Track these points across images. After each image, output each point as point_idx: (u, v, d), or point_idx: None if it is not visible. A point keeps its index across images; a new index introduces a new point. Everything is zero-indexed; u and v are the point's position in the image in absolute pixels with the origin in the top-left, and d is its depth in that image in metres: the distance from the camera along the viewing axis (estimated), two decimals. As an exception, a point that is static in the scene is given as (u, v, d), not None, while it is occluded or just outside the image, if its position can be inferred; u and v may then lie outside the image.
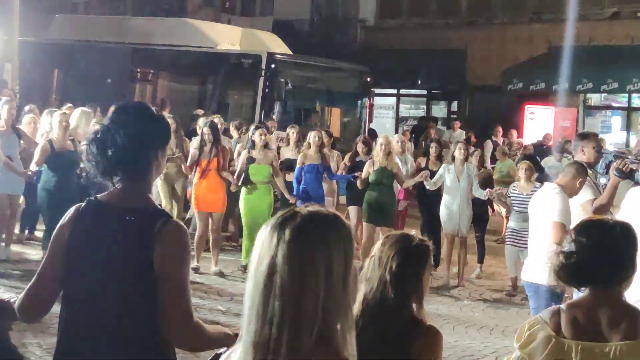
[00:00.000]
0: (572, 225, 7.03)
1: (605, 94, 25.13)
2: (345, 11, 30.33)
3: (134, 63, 22.04)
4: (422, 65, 25.28)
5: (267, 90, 18.35)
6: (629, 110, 24.99)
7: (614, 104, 25.63)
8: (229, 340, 3.41)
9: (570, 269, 3.49)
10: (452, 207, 12.58)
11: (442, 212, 12.75)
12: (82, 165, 4.58)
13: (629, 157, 8.62)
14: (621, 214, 6.92)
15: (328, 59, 20.58)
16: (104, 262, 3.49)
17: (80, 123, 12.38)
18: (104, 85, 21.05)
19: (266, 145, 12.60)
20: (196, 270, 11.64)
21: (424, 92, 28.64)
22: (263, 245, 2.41)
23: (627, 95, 24.47)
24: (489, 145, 20.79)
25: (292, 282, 2.34)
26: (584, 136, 8.49)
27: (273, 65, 18.43)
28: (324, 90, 20.12)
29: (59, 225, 3.62)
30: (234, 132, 15.29)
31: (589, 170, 7.93)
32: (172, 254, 3.47)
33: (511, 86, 24.61)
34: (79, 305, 3.54)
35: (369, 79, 20.57)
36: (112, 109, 3.80)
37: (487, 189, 12.30)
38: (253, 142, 12.46)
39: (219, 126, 13.65)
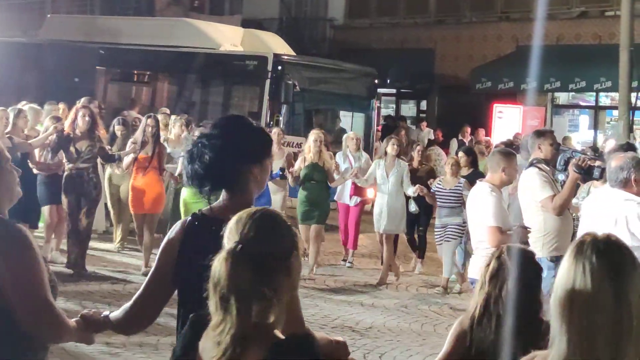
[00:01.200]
0: (513, 219, 7.10)
1: (573, 93, 25.34)
2: (314, 10, 30.33)
3: (124, 64, 21.52)
4: (391, 64, 25.30)
5: (273, 92, 17.72)
6: (597, 109, 25.20)
7: (582, 103, 25.85)
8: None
9: None
10: (382, 203, 12.57)
11: (375, 209, 12.72)
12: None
13: (587, 153, 8.77)
14: (583, 215, 6.99)
15: (335, 61, 20.17)
16: None
17: (28, 119, 12.39)
18: (90, 86, 20.42)
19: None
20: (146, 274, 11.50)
21: (393, 91, 28.69)
22: None
23: (594, 94, 24.68)
24: (454, 144, 20.93)
25: None
26: (540, 133, 8.56)
27: (280, 67, 17.80)
28: (332, 92, 19.60)
29: (166, 240, 3.68)
30: (177, 128, 14.64)
31: (546, 167, 8.03)
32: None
33: (479, 85, 24.72)
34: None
35: (376, 81, 20.15)
36: (213, 121, 3.86)
37: (417, 186, 12.15)
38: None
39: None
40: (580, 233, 6.91)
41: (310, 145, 12.51)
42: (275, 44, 20.29)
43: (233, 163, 3.66)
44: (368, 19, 28.80)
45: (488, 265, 4.20)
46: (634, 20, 19.00)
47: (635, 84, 20.05)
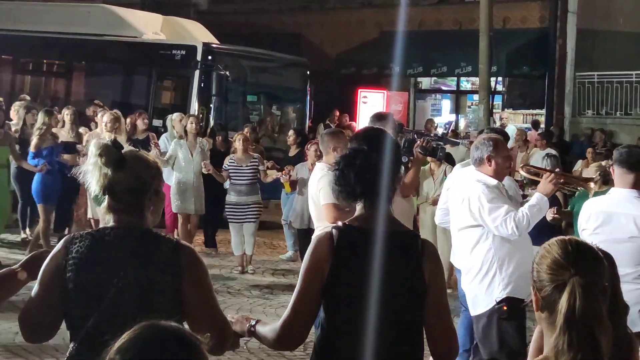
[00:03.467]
0: None
1: (435, 78, 25.89)
2: (178, -5, 29.95)
3: (42, 54, 20.25)
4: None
5: (203, 84, 16.77)
6: (458, 93, 25.86)
7: (444, 88, 26.45)
8: None
9: None
10: (186, 183, 12.60)
11: (175, 189, 12.66)
12: None
13: (431, 134, 9.08)
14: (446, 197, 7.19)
15: (267, 51, 19.17)
16: (383, 289, 3.51)
17: None
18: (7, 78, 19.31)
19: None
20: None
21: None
22: None
23: (455, 79, 25.29)
24: (321, 129, 21.04)
25: None
26: (381, 117, 8.75)
27: (210, 57, 16.86)
28: (265, 83, 18.88)
29: (310, 254, 3.62)
30: (14, 115, 14.14)
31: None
32: (435, 269, 3.63)
33: (345, 70, 24.94)
34: (354, 330, 3.53)
35: (308, 72, 19.55)
36: (357, 134, 3.98)
37: (203, 162, 12.34)
38: None
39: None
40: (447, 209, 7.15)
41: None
42: (197, 32, 19.37)
43: (393, 173, 3.73)
44: (233, 5, 28.61)
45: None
46: (492, 6, 19.53)
47: (494, 68, 20.63)
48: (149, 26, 18.90)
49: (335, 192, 3.77)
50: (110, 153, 3.42)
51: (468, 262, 6.39)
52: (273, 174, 12.73)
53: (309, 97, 19.64)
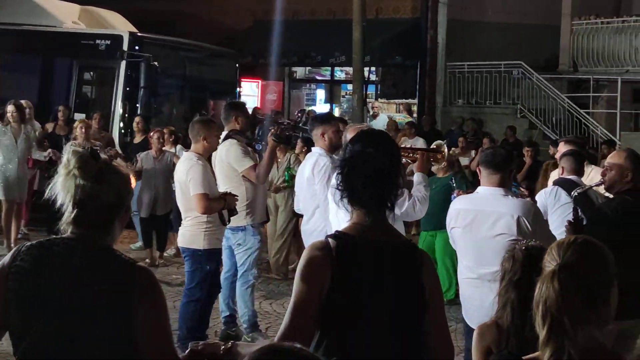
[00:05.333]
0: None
1: (310, 68, 26.00)
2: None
3: None
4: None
5: (130, 77, 15.79)
6: (332, 83, 26.04)
7: (318, 77, 26.58)
8: None
9: None
10: (9, 170, 12.43)
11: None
12: None
13: (285, 122, 9.31)
14: None
15: (197, 42, 18.38)
16: (383, 300, 3.42)
17: None
18: None
19: None
20: None
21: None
22: None
23: (330, 68, 25.46)
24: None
25: None
26: (235, 106, 8.96)
27: (137, 48, 15.88)
28: (195, 76, 17.91)
29: (305, 265, 3.42)
30: None
31: (243, 138, 8.42)
32: (435, 283, 3.58)
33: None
34: (354, 347, 3.40)
35: (237, 64, 18.97)
36: (360, 134, 3.76)
37: (49, 151, 12.44)
38: None
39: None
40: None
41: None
42: (117, 22, 18.35)
43: (398, 177, 3.61)
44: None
45: (505, 268, 4.04)
46: (364, -4, 19.72)
47: (368, 58, 20.84)
48: (68, 15, 17.83)
49: (336, 196, 3.56)
50: (89, 165, 3.17)
51: None
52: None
53: (238, 89, 19.20)
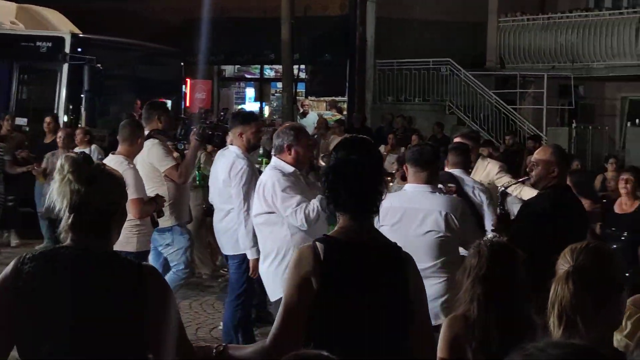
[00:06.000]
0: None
1: (239, 66, 25.89)
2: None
3: None
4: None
5: (73, 80, 15.23)
6: (262, 81, 25.97)
7: (248, 76, 26.49)
8: None
9: None
10: None
11: None
12: None
13: (208, 121, 9.36)
14: None
15: (141, 42, 17.78)
16: (370, 301, 3.51)
17: None
18: None
19: None
20: None
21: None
22: None
23: (259, 66, 25.40)
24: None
25: None
26: (157, 105, 8.91)
27: (80, 50, 15.28)
28: (141, 77, 17.29)
29: (294, 268, 3.53)
30: None
31: (164, 137, 8.39)
32: (419, 284, 3.68)
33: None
34: (342, 348, 3.26)
35: (182, 63, 18.55)
36: (343, 142, 3.81)
37: None
38: None
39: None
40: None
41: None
42: (58, 22, 17.63)
43: (380, 183, 3.71)
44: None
45: (471, 264, 4.14)
46: (294, -5, 19.68)
47: (297, 56, 20.81)
48: (4, 14, 17.20)
49: (323, 202, 3.78)
50: (82, 169, 3.19)
51: (264, 247, 6.43)
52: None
53: (185, 89, 18.79)
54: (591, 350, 2.05)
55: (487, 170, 8.93)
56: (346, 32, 23.24)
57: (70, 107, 15.31)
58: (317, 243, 3.56)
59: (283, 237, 6.17)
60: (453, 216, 5.75)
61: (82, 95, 15.43)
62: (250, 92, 26.40)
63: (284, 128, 6.51)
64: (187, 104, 21.72)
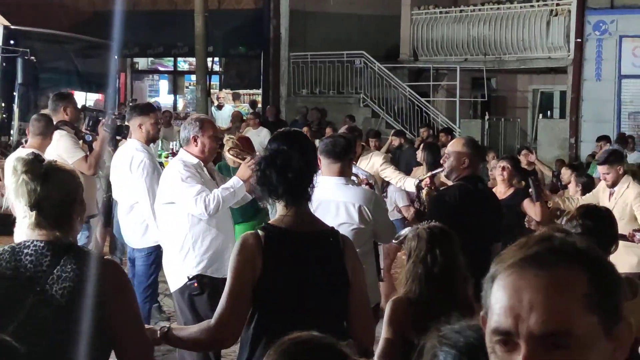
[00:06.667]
0: None
1: (152, 58, 25.60)
2: None
3: None
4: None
5: (5, 72, 14.68)
6: (175, 74, 25.76)
7: (161, 68, 26.25)
8: None
9: None
10: None
11: None
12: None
13: (116, 113, 9.39)
14: None
15: (74, 34, 17.37)
16: (309, 284, 3.79)
17: None
18: None
19: None
20: None
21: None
22: None
23: (172, 59, 25.16)
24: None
25: None
26: (64, 97, 8.88)
27: (13, 42, 14.83)
28: (74, 68, 16.99)
29: (238, 254, 3.76)
30: None
31: (71, 129, 8.36)
32: (356, 266, 3.95)
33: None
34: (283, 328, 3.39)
35: (115, 56, 17.65)
36: (276, 134, 4.23)
37: None
38: None
39: None
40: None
41: None
42: None
43: (314, 172, 4.00)
44: None
45: (411, 246, 4.41)
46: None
47: (211, 49, 20.64)
48: None
49: (257, 191, 3.95)
50: (35, 167, 3.33)
51: (166, 238, 6.44)
52: None
53: (121, 81, 18.49)
54: None
55: (371, 161, 9.02)
56: (260, 24, 23.15)
57: (2, 100, 14.93)
58: (259, 231, 3.81)
59: (183, 228, 6.16)
60: (366, 208, 5.74)
61: (14, 89, 14.99)
62: (164, 84, 26.18)
63: (190, 119, 6.49)
64: (122, 99, 21.37)
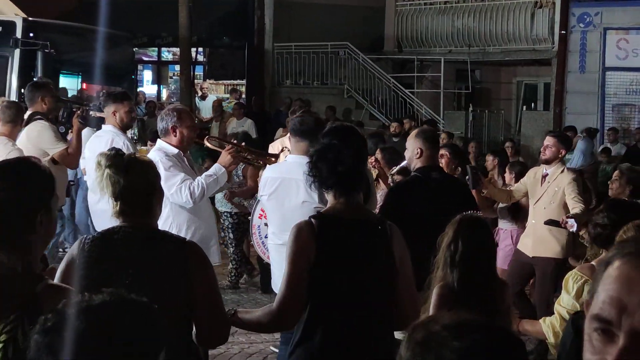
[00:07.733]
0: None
1: (136, 48, 25.45)
2: None
3: None
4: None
5: (25, 66, 14.44)
6: (159, 64, 25.65)
7: (145, 58, 26.10)
8: None
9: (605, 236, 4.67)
10: None
11: None
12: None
13: (91, 104, 9.28)
14: None
15: (92, 26, 16.62)
16: (360, 270, 4.02)
17: None
18: None
19: None
20: None
21: None
22: None
23: (156, 49, 25.06)
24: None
25: None
26: (41, 86, 8.74)
27: (33, 35, 14.51)
28: (94, 61, 15.46)
29: (294, 242, 4.02)
30: None
31: (48, 121, 8.30)
32: (403, 253, 4.12)
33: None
34: (336, 312, 4.00)
35: (133, 48, 17.98)
36: (329, 129, 4.63)
37: None
38: None
39: None
40: None
41: None
42: (3, 5, 16.90)
43: (364, 165, 4.36)
44: None
45: (451, 239, 4.62)
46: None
47: (195, 39, 20.57)
48: None
49: (309, 182, 4.18)
50: (118, 161, 3.68)
51: None
52: None
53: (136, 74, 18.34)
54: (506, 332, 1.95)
55: None
56: (244, 15, 23.09)
57: (20, 97, 14.20)
58: (312, 219, 4.07)
59: (165, 218, 6.11)
60: (326, 187, 5.80)
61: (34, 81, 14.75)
62: (148, 74, 26.06)
63: (167, 110, 6.48)
64: (84, 87, 21.22)
